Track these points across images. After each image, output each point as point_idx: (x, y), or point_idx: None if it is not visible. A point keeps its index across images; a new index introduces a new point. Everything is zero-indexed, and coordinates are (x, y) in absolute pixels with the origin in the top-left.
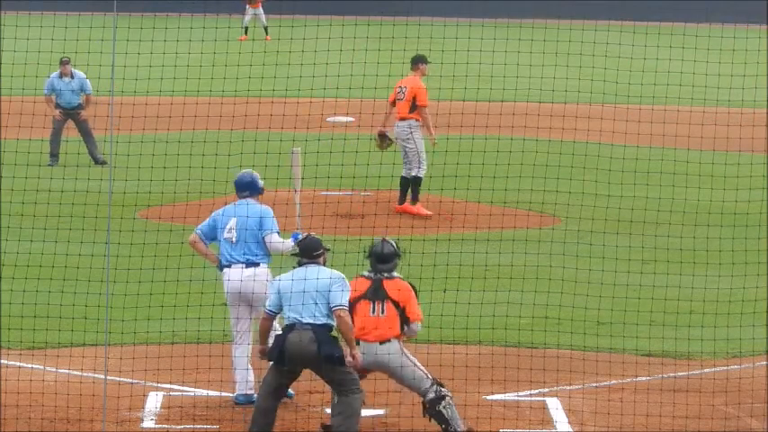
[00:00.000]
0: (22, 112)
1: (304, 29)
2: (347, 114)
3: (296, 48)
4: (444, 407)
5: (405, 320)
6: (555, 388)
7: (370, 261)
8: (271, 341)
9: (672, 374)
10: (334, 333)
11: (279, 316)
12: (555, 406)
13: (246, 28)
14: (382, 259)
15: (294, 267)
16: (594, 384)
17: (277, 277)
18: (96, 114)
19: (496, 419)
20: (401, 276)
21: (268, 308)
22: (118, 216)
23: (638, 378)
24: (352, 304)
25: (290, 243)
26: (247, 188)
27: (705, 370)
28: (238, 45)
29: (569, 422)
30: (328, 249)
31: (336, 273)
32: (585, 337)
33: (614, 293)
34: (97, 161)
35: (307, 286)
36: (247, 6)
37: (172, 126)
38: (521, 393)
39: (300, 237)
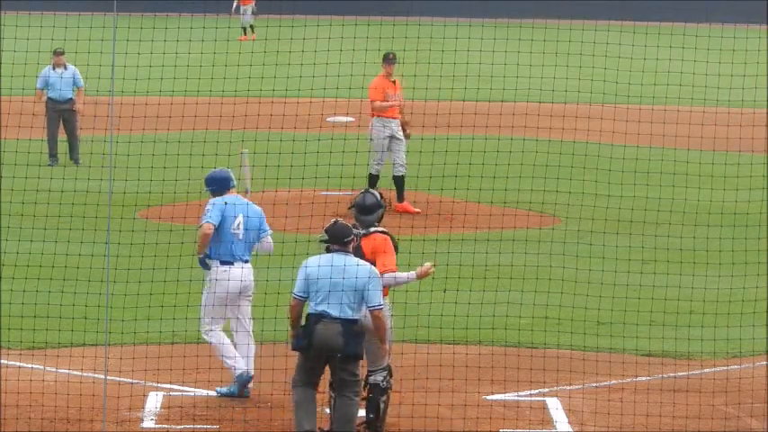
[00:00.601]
0: (22, 112)
1: (304, 29)
2: (347, 114)
3: (296, 48)
4: (384, 401)
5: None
6: (555, 388)
7: (353, 213)
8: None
9: (672, 374)
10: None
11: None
12: (555, 406)
13: (244, 28)
14: (365, 210)
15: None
16: (594, 384)
17: (305, 262)
18: (96, 114)
19: (496, 419)
20: (383, 229)
21: (297, 293)
22: (118, 216)
23: (638, 378)
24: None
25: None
26: (231, 183)
27: (705, 370)
28: (238, 45)
29: (569, 422)
30: (359, 236)
31: (372, 269)
32: (585, 337)
33: (614, 293)
34: (75, 161)
35: (336, 278)
36: (238, 5)
37: (172, 126)
38: (521, 393)
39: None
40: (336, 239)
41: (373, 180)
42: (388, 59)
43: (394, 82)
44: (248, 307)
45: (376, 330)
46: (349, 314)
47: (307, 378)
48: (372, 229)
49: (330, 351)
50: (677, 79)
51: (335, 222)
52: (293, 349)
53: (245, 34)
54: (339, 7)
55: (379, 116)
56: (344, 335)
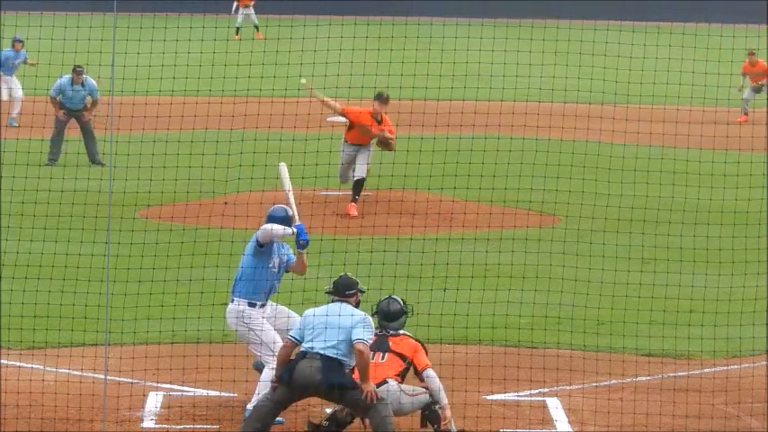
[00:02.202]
0: (22, 112)
1: (304, 29)
2: None
3: (296, 48)
4: (439, 408)
5: (416, 373)
6: (555, 388)
7: (377, 319)
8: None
9: (672, 374)
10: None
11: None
12: (555, 406)
13: (238, 28)
14: (389, 317)
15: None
16: (594, 384)
17: (309, 311)
18: (96, 114)
19: (496, 419)
20: (409, 334)
21: (290, 336)
22: (118, 216)
23: (638, 378)
24: None
25: (282, 227)
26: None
27: (705, 370)
28: (238, 45)
29: (569, 422)
30: (363, 291)
31: (365, 316)
32: (585, 337)
33: (614, 293)
34: (95, 162)
35: (330, 320)
36: (238, 6)
37: (172, 126)
38: (521, 393)
39: (304, 228)
40: (339, 291)
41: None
42: (382, 99)
43: (380, 121)
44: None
45: (358, 364)
46: (330, 351)
47: (273, 405)
48: (402, 332)
49: (307, 386)
50: (677, 79)
51: (342, 276)
52: (277, 381)
53: (238, 34)
54: (339, 7)
55: (345, 140)
56: (323, 370)
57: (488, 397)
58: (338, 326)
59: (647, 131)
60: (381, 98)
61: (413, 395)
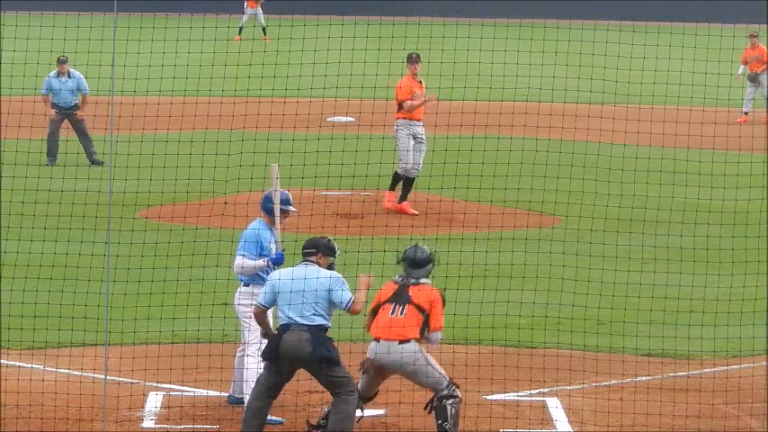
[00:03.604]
0: (22, 111)
1: (304, 29)
2: (347, 114)
3: (296, 48)
4: (451, 404)
5: (426, 327)
6: (555, 388)
7: (402, 265)
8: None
9: (672, 374)
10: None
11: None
12: (555, 406)
13: (241, 28)
14: (416, 264)
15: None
16: (594, 384)
17: (274, 274)
18: (96, 114)
19: (496, 419)
20: (431, 283)
21: (259, 302)
22: (118, 216)
23: (638, 378)
24: (376, 309)
25: (260, 263)
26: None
27: (705, 370)
28: (238, 45)
29: (569, 422)
30: (331, 255)
31: (334, 273)
32: (585, 337)
33: (614, 293)
34: (93, 162)
35: (304, 286)
36: (246, 6)
37: (172, 126)
38: (521, 393)
39: (282, 257)
40: (303, 250)
41: (396, 178)
42: (412, 59)
43: (420, 82)
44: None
45: (357, 311)
46: (316, 320)
47: (263, 394)
48: (424, 281)
49: (295, 359)
50: (677, 79)
51: (321, 237)
52: (263, 359)
53: (240, 35)
54: (339, 7)
55: (404, 117)
56: (312, 341)
57: (488, 397)
58: (315, 289)
59: (647, 131)
60: (412, 58)
61: (430, 366)
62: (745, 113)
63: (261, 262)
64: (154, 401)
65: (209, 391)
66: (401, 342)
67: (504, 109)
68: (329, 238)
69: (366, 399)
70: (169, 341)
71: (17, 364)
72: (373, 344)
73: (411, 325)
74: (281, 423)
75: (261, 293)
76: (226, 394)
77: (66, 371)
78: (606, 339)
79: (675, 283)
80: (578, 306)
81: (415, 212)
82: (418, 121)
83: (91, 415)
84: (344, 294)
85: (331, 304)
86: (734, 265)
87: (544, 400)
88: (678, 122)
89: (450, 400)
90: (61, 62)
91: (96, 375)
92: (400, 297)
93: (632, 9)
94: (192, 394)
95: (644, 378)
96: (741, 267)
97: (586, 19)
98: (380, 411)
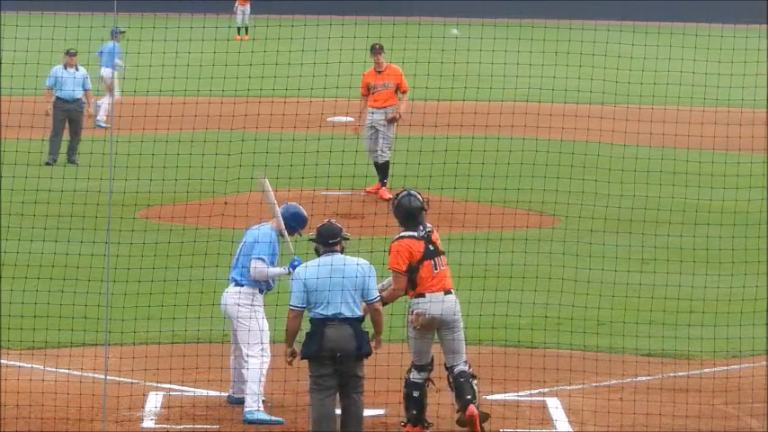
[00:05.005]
0: (22, 111)
1: (304, 29)
2: (347, 114)
3: (296, 48)
4: (475, 383)
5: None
6: (555, 388)
7: (398, 216)
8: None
9: (672, 374)
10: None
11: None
12: (555, 406)
13: (239, 28)
14: (415, 215)
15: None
16: (594, 384)
17: (298, 271)
18: (96, 114)
19: (496, 419)
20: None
21: (296, 305)
22: (118, 216)
23: (638, 378)
24: (417, 267)
25: (279, 271)
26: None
27: (705, 370)
28: (238, 45)
29: (569, 422)
30: (348, 238)
31: (365, 262)
32: (585, 337)
33: (614, 293)
34: (71, 161)
35: (344, 276)
36: (237, 5)
37: (172, 126)
38: (521, 393)
39: (299, 263)
40: (324, 240)
41: (378, 167)
42: (374, 50)
43: (380, 72)
44: (236, 332)
45: (375, 324)
46: (357, 313)
47: (325, 385)
48: (429, 225)
49: (342, 353)
50: (677, 79)
51: (326, 223)
52: (303, 358)
53: (239, 34)
54: (339, 7)
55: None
56: (356, 336)
57: (488, 397)
58: (348, 284)
59: (647, 131)
60: (374, 49)
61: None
62: None
63: (280, 269)
64: (154, 401)
65: (209, 391)
66: (446, 293)
67: (504, 109)
68: (332, 221)
69: (429, 369)
70: (169, 341)
71: (17, 364)
72: (423, 299)
73: (449, 276)
74: (281, 423)
75: (292, 295)
76: (226, 394)
77: (67, 371)
78: (606, 339)
79: (675, 283)
80: (578, 306)
81: (390, 197)
82: (378, 108)
83: (91, 415)
84: (375, 290)
85: (362, 296)
86: (734, 265)
87: (544, 400)
88: (678, 122)
89: (475, 380)
90: (71, 54)
91: (96, 375)
92: (434, 252)
93: (632, 9)
94: (192, 394)
95: (644, 378)
96: (741, 267)
97: (586, 19)
98: (380, 411)
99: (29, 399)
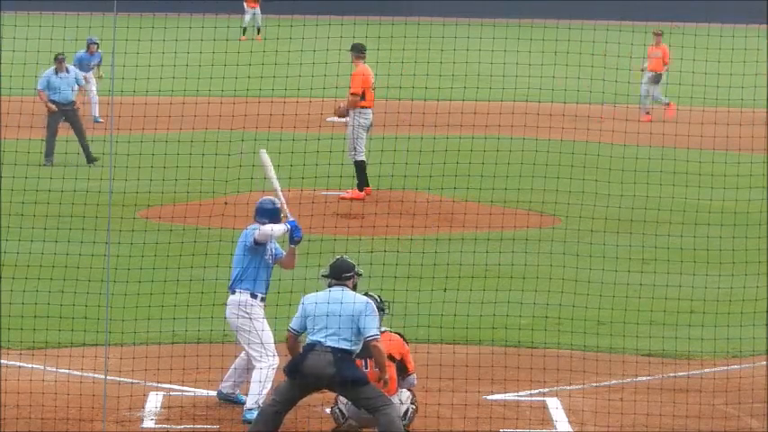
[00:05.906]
0: (22, 111)
1: (304, 29)
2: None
3: (296, 48)
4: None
5: (403, 371)
6: (555, 388)
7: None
8: None
9: (672, 374)
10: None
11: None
12: (555, 406)
13: (245, 28)
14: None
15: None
16: (594, 384)
17: (304, 298)
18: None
19: (496, 419)
20: (389, 329)
21: (291, 327)
22: (118, 216)
23: (638, 378)
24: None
25: (281, 227)
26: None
27: (705, 370)
28: (238, 45)
29: (569, 422)
30: (360, 274)
31: (368, 302)
32: (585, 337)
33: (614, 293)
34: (89, 159)
35: (333, 310)
36: (246, 6)
37: (172, 126)
38: (521, 393)
39: (296, 223)
40: (336, 275)
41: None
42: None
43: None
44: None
45: (375, 362)
46: (342, 345)
47: (279, 404)
48: (384, 328)
49: (318, 379)
50: (677, 79)
51: (339, 259)
52: (284, 373)
53: (245, 35)
54: (339, 7)
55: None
56: (336, 364)
57: (488, 397)
58: (342, 314)
59: (647, 131)
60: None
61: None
62: (647, 113)
63: (282, 226)
64: (154, 401)
65: (209, 391)
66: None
67: (504, 109)
68: (344, 257)
69: None
70: (169, 341)
71: (17, 364)
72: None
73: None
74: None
75: (293, 318)
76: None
77: (67, 371)
78: (606, 339)
79: (676, 283)
80: (578, 306)
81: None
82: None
83: (91, 415)
84: (373, 326)
85: (359, 332)
86: (734, 265)
87: (544, 401)
88: (678, 122)
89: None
90: (60, 60)
91: (96, 375)
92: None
93: (632, 9)
94: (192, 394)
95: (644, 378)
96: (741, 267)
97: (586, 19)
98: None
99: (29, 399)
